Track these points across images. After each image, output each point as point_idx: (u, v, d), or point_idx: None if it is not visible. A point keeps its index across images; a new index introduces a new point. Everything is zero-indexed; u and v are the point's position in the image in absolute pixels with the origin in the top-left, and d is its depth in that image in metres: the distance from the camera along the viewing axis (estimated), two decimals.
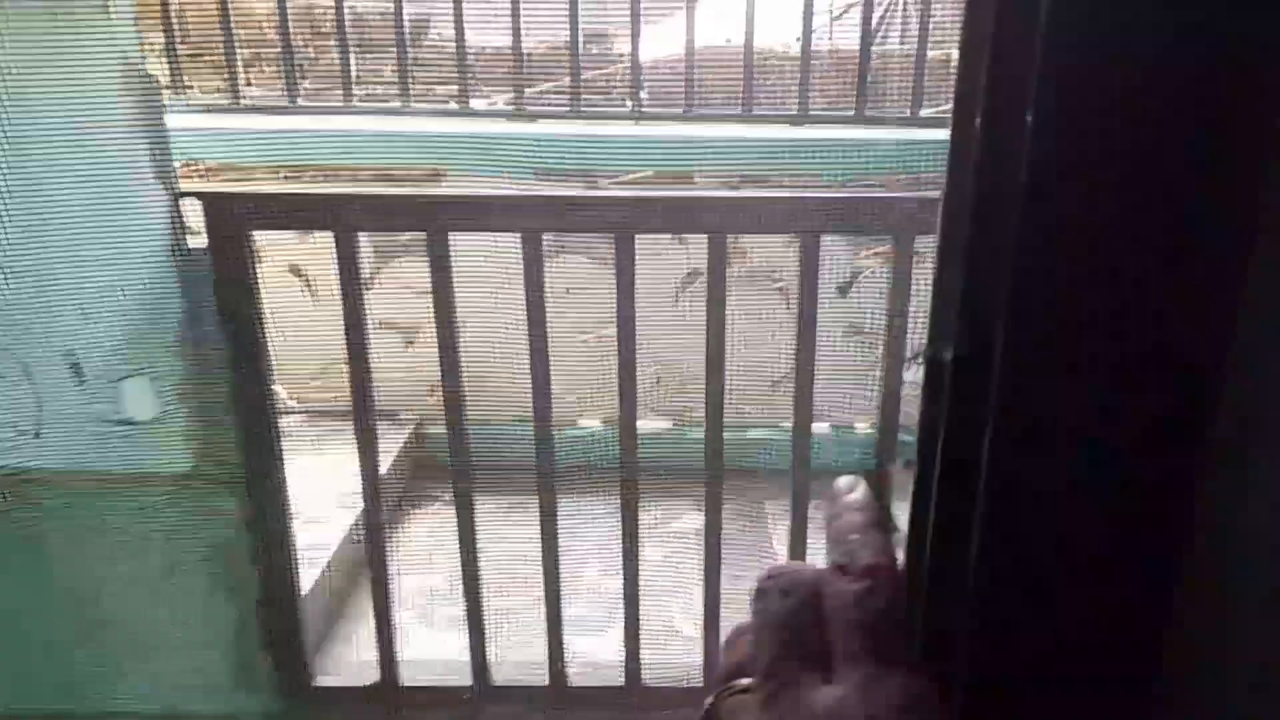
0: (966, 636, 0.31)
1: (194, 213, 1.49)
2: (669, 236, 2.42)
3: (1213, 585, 0.29)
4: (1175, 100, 0.26)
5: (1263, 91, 0.25)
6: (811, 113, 2.54)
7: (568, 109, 2.53)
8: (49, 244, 1.39)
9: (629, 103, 2.54)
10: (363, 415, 1.54)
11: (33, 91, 1.32)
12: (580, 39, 2.48)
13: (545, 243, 1.48)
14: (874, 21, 2.72)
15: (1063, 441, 0.29)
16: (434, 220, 1.45)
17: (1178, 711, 0.30)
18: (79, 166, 1.39)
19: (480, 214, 1.47)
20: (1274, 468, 0.26)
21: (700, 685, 1.61)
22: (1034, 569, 0.30)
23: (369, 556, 1.59)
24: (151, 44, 2.39)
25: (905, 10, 4.58)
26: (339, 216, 1.47)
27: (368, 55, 2.75)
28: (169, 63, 2.48)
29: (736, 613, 1.91)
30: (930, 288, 0.33)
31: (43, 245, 1.39)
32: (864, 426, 2.55)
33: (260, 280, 1.51)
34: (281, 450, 1.53)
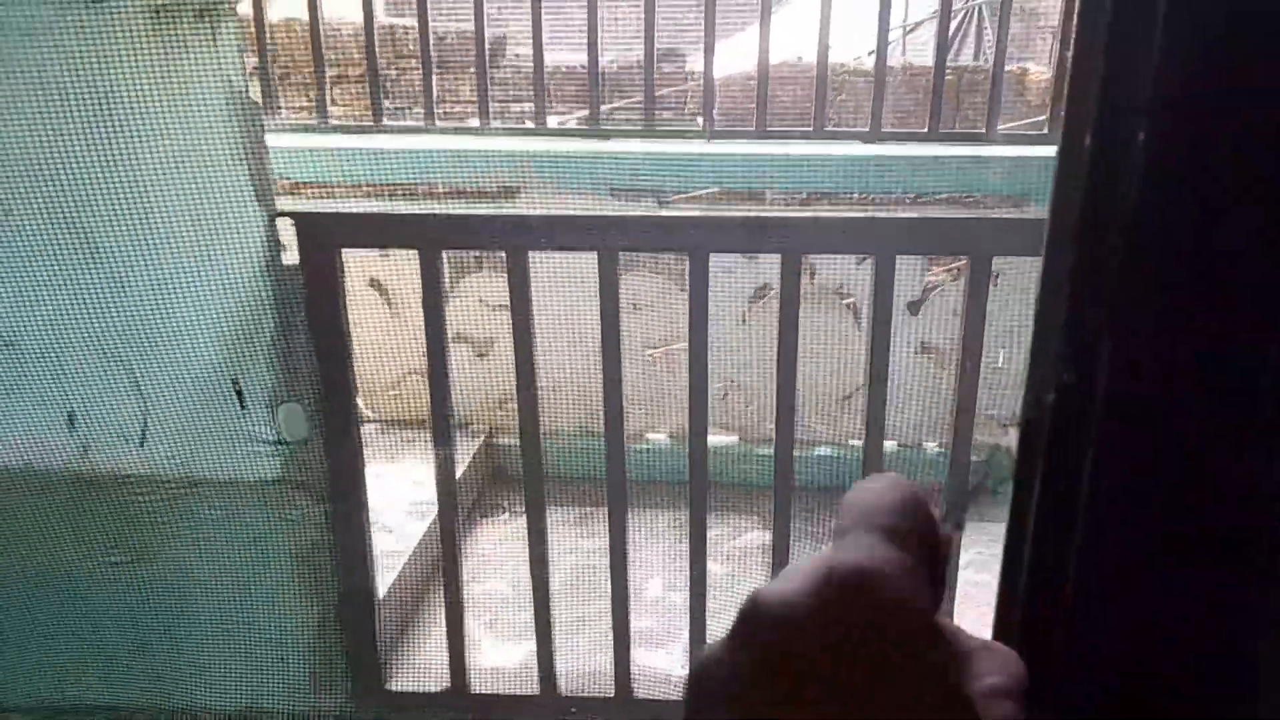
0: (1063, 669, 0.31)
1: (285, 231, 1.56)
2: (746, 257, 2.43)
3: None
4: None
5: None
6: (884, 130, 2.53)
7: (641, 127, 2.57)
8: (161, 258, 1.46)
9: (700, 120, 2.57)
10: (440, 426, 1.58)
11: (144, 116, 1.39)
12: (654, 57, 2.51)
13: (626, 260, 1.51)
14: (948, 36, 2.70)
15: (1166, 470, 0.29)
16: (514, 238, 1.49)
17: None
18: (188, 187, 1.46)
19: (558, 232, 1.50)
20: None
21: None
22: (1134, 602, 0.30)
23: (442, 564, 1.63)
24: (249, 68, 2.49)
25: (980, 24, 4.52)
26: (424, 234, 1.52)
27: (448, 75, 2.83)
28: (262, 84, 2.59)
29: None
30: (1035, 311, 0.32)
31: (155, 260, 1.46)
32: (933, 446, 2.53)
33: (348, 295, 1.57)
34: (363, 459, 1.58)
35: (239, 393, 1.47)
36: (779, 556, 1.57)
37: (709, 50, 2.46)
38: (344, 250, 1.56)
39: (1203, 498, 0.29)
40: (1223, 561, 0.29)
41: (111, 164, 1.42)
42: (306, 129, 2.53)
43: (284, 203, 1.57)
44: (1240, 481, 0.28)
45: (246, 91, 1.51)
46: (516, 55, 2.92)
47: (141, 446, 1.49)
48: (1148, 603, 0.30)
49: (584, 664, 1.70)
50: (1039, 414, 0.31)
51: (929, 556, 0.29)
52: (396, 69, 2.85)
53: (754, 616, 0.27)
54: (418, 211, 1.67)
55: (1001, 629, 0.34)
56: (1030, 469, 0.32)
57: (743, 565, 2.21)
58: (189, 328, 1.49)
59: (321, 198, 2.34)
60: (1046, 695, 0.32)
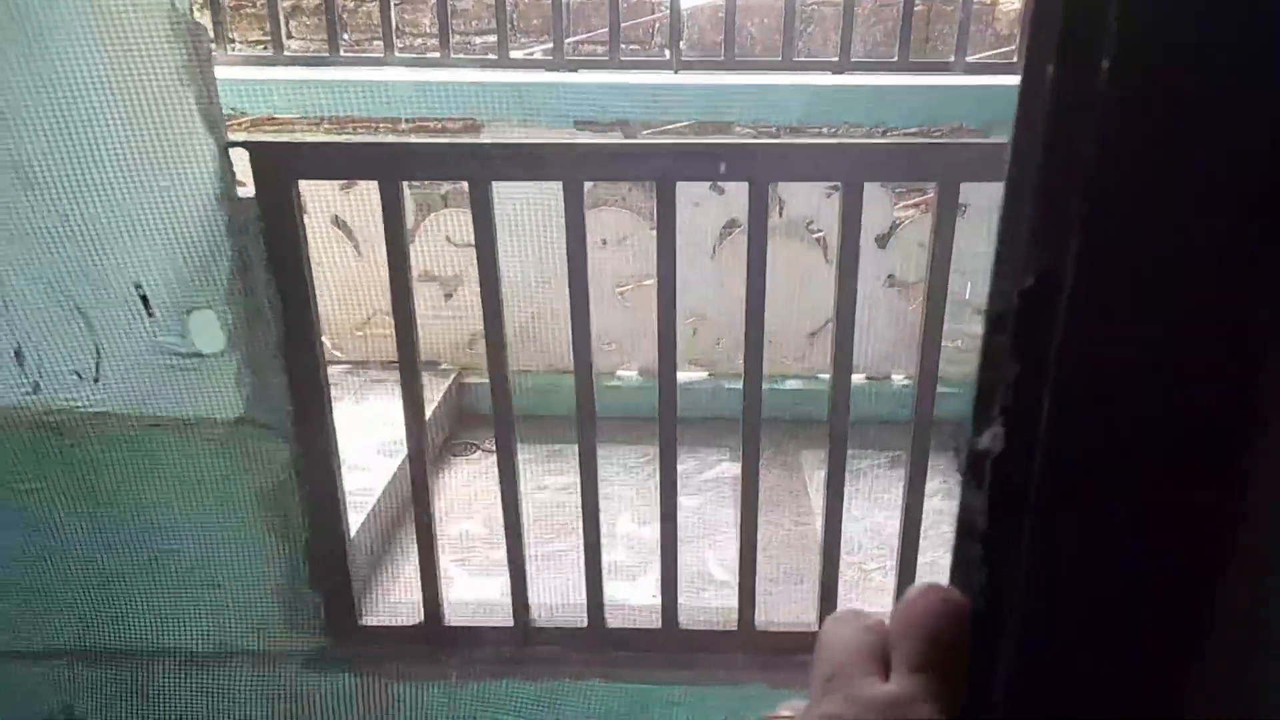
0: (1023, 597, 0.31)
1: (240, 163, 1.52)
2: (706, 187, 2.41)
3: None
4: (1259, 50, 0.25)
5: None
6: (853, 60, 2.50)
7: (606, 58, 2.52)
8: (104, 189, 1.42)
9: (668, 52, 2.52)
10: (407, 363, 1.57)
11: (77, 42, 1.34)
12: None
13: (585, 193, 1.49)
14: None
15: (1127, 387, 0.28)
16: (476, 168, 1.46)
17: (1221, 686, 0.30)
18: (129, 114, 1.41)
19: (523, 162, 1.47)
20: None
21: (734, 629, 1.64)
22: (1093, 523, 0.30)
23: (413, 502, 1.63)
24: None
25: None
26: (385, 166, 1.49)
27: (407, 5, 2.74)
28: (213, 14, 2.49)
29: (769, 559, 1.94)
30: (995, 230, 0.32)
31: (98, 191, 1.42)
32: (900, 378, 2.55)
33: (306, 231, 1.54)
34: (329, 397, 1.57)
35: (144, 298, 1.43)
36: (748, 487, 1.58)
37: None
38: (304, 184, 1.52)
39: (1171, 400, 0.28)
40: (1189, 469, 0.29)
41: (43, 93, 1.36)
42: (262, 62, 2.45)
43: (240, 137, 1.53)
44: (1208, 380, 0.28)
45: (190, 13, 1.46)
46: None
47: (96, 384, 1.46)
48: (1113, 514, 0.29)
49: (557, 597, 1.71)
50: (1002, 320, 0.31)
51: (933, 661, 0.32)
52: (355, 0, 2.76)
53: None
54: (373, 140, 1.62)
55: (960, 551, 0.33)
56: (991, 381, 0.31)
57: (713, 497, 2.23)
58: (139, 263, 1.45)
59: (280, 133, 2.28)
60: (1004, 616, 0.31)
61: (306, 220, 1.53)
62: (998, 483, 0.31)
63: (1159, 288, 0.27)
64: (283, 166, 1.49)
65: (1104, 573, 0.30)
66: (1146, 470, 0.29)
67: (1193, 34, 0.25)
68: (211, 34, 2.40)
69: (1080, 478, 0.29)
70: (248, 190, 1.50)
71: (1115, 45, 0.25)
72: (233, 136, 1.50)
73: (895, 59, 2.49)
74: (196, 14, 1.68)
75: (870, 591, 1.90)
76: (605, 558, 1.64)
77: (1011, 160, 0.31)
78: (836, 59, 2.51)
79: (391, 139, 1.98)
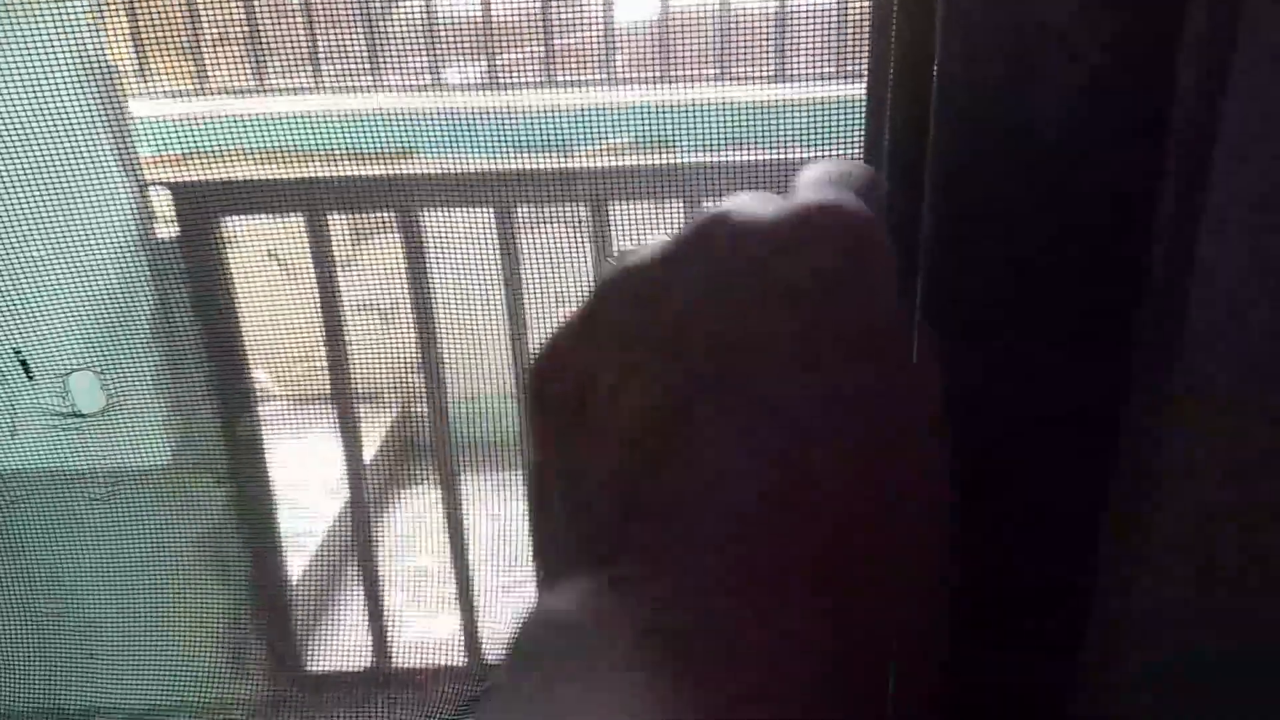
0: None
1: (164, 202, 1.48)
2: (648, 204, 2.39)
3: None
4: (1079, 42, 0.24)
5: None
6: (788, 72, 2.50)
7: (542, 78, 2.49)
8: (7, 242, 1.36)
9: (603, 70, 2.50)
10: (343, 399, 1.53)
11: None
12: (552, 4, 2.43)
13: (524, 215, 1.47)
14: None
15: (983, 411, 0.27)
16: (403, 198, 1.43)
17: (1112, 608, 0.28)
18: (38, 162, 1.36)
19: (450, 190, 1.45)
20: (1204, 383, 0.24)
21: None
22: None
23: (355, 540, 1.58)
24: (114, 32, 2.34)
25: None
26: (308, 199, 1.46)
27: (336, 31, 2.70)
28: (135, 51, 2.44)
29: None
30: None
31: (7, 248, 1.36)
32: None
33: (235, 267, 1.50)
34: (263, 437, 1.52)
35: (24, 363, 1.38)
36: None
37: None
38: (229, 220, 1.48)
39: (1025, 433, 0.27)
40: (1056, 471, 0.27)
41: None
42: (186, 96, 2.39)
43: (164, 175, 1.49)
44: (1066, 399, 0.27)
45: (102, 53, 1.42)
46: (409, 6, 2.80)
47: (13, 439, 1.40)
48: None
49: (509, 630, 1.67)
50: None
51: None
52: (280, 28, 2.71)
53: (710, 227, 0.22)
54: (300, 176, 1.59)
55: None
56: None
57: None
58: (56, 312, 1.40)
59: (209, 168, 2.22)
60: None
61: (238, 255, 1.49)
62: None
63: (1010, 300, 0.26)
64: (206, 204, 1.45)
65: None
66: (1012, 474, 0.27)
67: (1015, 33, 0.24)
68: (136, 67, 2.35)
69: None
70: (170, 230, 1.46)
71: (941, 54, 0.24)
72: (155, 176, 1.46)
73: (834, 69, 2.49)
74: (115, 50, 1.63)
75: None
76: None
77: None
78: (772, 71, 2.51)
79: (319, 172, 1.94)
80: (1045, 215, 0.25)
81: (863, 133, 0.32)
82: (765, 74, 2.53)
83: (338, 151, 2.26)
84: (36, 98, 1.35)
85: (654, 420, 0.21)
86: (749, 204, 0.23)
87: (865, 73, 0.31)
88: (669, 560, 0.20)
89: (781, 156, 1.74)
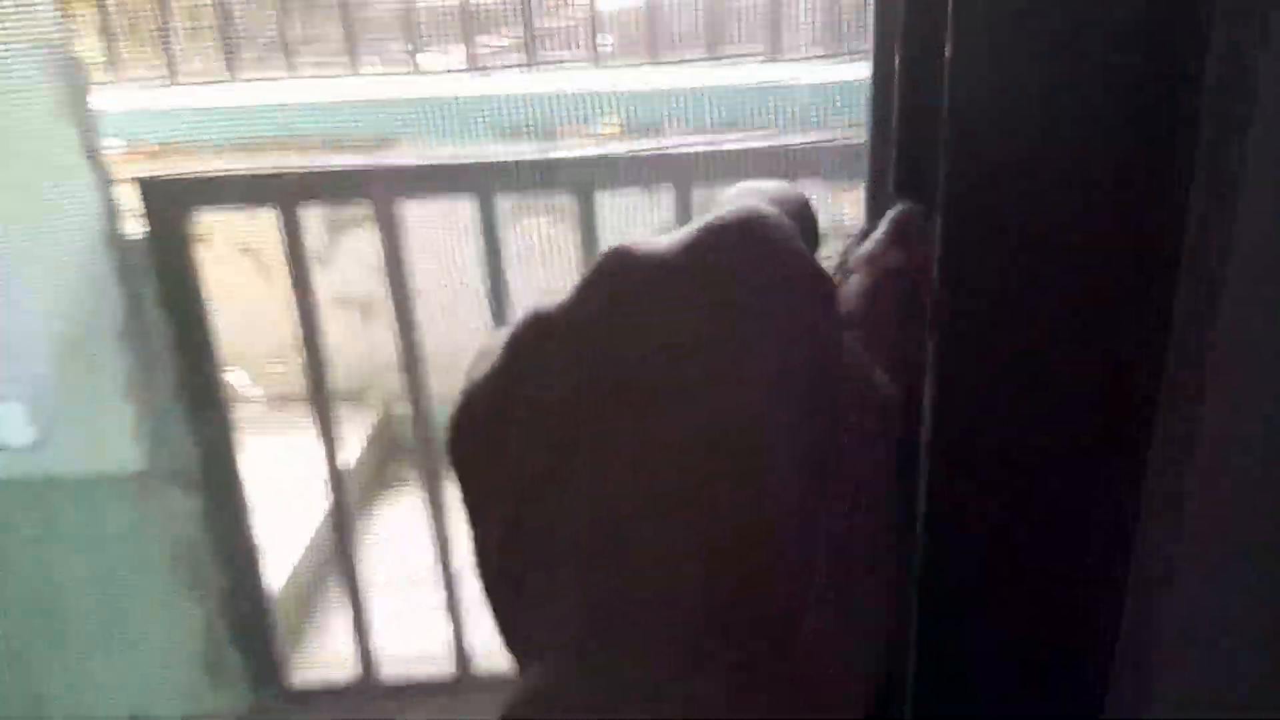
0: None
1: (130, 198, 1.42)
2: (636, 191, 2.33)
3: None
4: (1102, 25, 0.22)
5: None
6: (783, 53, 2.44)
7: (525, 62, 2.43)
8: None
9: (589, 52, 2.44)
10: (321, 400, 1.47)
11: None
12: None
13: (509, 205, 1.42)
14: None
15: (1003, 389, 0.26)
16: (380, 189, 1.37)
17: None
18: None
19: (428, 179, 1.39)
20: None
21: None
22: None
23: (337, 546, 1.52)
24: (81, 22, 2.27)
25: None
26: (280, 192, 1.40)
27: (311, 17, 2.63)
28: (104, 41, 2.36)
29: None
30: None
31: None
32: None
33: (207, 264, 1.44)
34: (237, 440, 1.46)
35: None
36: None
37: None
38: (199, 215, 1.42)
39: (1046, 411, 0.25)
40: (1072, 456, 0.26)
41: None
42: (158, 86, 2.32)
43: (136, 169, 1.43)
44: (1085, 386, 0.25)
45: (66, 46, 1.35)
46: None
47: None
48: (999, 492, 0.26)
49: (497, 638, 1.61)
50: None
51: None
52: (253, 14, 2.64)
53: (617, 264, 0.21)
54: (272, 168, 1.53)
55: None
56: None
57: None
58: (19, 313, 1.33)
59: (182, 161, 2.16)
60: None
61: (210, 251, 1.43)
62: None
63: (1025, 282, 0.25)
64: (176, 199, 1.39)
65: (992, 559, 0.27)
66: (1030, 458, 0.26)
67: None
68: (104, 59, 2.27)
69: (966, 472, 0.27)
70: (139, 226, 1.40)
71: (955, 36, 0.23)
72: (126, 170, 1.40)
73: (823, 50, 2.44)
74: (85, 40, 1.57)
75: None
76: None
77: (870, 157, 0.31)
78: (764, 51, 2.45)
79: (295, 162, 1.88)
80: (1067, 202, 0.23)
81: (868, 115, 0.31)
82: (759, 54, 2.47)
83: (313, 140, 2.19)
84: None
85: (561, 463, 0.20)
86: (655, 237, 0.22)
87: (870, 49, 0.30)
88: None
89: (778, 142, 1.69)
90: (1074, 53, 0.22)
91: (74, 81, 1.36)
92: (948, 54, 0.23)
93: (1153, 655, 0.26)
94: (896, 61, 0.27)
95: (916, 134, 0.27)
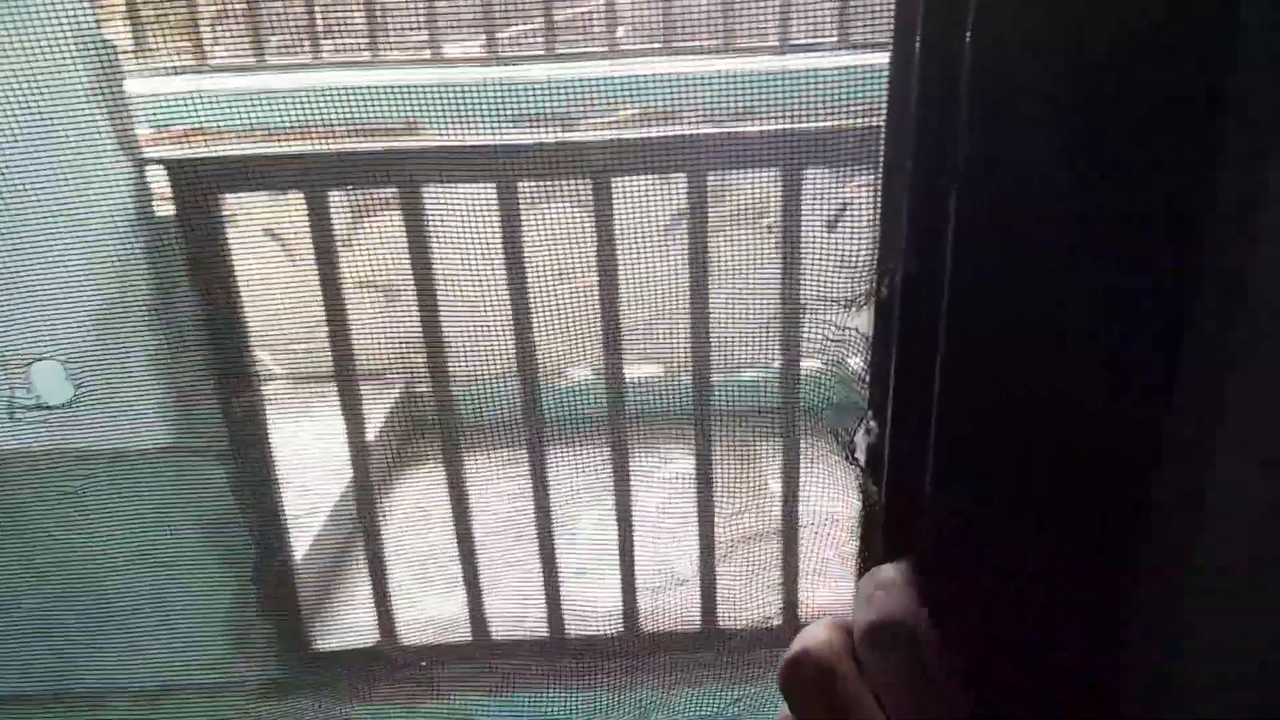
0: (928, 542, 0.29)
1: (158, 180, 1.46)
2: (653, 178, 2.36)
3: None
4: (1125, 21, 0.22)
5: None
6: (793, 42, 2.46)
7: (543, 50, 2.46)
8: (12, 226, 1.35)
9: (605, 41, 2.47)
10: (346, 377, 1.52)
11: None
12: None
13: (526, 191, 1.45)
14: None
15: (1015, 369, 0.26)
16: (404, 173, 1.41)
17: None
18: (35, 139, 1.35)
19: (452, 165, 1.43)
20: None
21: (698, 629, 1.60)
22: (990, 481, 0.27)
23: (361, 518, 1.58)
24: (112, 8, 2.32)
25: None
26: (307, 175, 1.44)
27: (335, 6, 2.67)
28: (133, 27, 2.41)
29: (732, 554, 1.90)
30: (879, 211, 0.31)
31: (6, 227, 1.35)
32: (856, 361, 2.52)
33: (234, 245, 1.48)
34: (265, 416, 1.51)
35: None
36: (701, 481, 1.55)
37: None
38: (227, 198, 1.46)
39: (1060, 384, 0.26)
40: (1081, 449, 0.26)
41: None
42: (188, 72, 2.37)
43: (165, 152, 1.47)
44: (1099, 365, 0.26)
45: (98, 31, 1.40)
46: None
47: (12, 419, 1.40)
48: (1003, 500, 0.27)
49: (516, 607, 1.67)
50: (887, 301, 0.30)
51: None
52: (282, 2, 2.68)
53: None
54: (298, 151, 1.57)
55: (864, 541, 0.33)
56: (882, 356, 0.31)
57: (671, 494, 2.20)
58: (52, 292, 1.38)
59: (210, 145, 2.20)
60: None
61: (237, 233, 1.47)
62: (894, 472, 0.31)
63: (1043, 270, 0.25)
64: (204, 182, 1.43)
65: (1005, 561, 0.28)
66: (1040, 452, 0.27)
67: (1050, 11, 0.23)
68: (133, 45, 2.32)
69: (971, 463, 0.28)
70: (168, 208, 1.45)
71: (976, 20, 0.23)
72: (154, 153, 1.44)
73: (836, 38, 2.45)
74: (114, 26, 1.61)
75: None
76: (567, 562, 1.60)
77: (886, 144, 0.30)
78: (777, 41, 2.47)
79: (320, 147, 1.92)
80: (1089, 193, 0.23)
81: (887, 99, 0.31)
82: (774, 41, 2.49)
83: (338, 126, 2.23)
84: (30, 75, 1.33)
85: None
86: None
87: (891, 33, 0.29)
88: None
89: (791, 127, 1.71)
90: (1096, 38, 0.22)
91: (106, 66, 1.41)
92: (968, 38, 0.23)
93: (1164, 660, 0.26)
94: (917, 46, 0.27)
95: (936, 117, 0.27)
